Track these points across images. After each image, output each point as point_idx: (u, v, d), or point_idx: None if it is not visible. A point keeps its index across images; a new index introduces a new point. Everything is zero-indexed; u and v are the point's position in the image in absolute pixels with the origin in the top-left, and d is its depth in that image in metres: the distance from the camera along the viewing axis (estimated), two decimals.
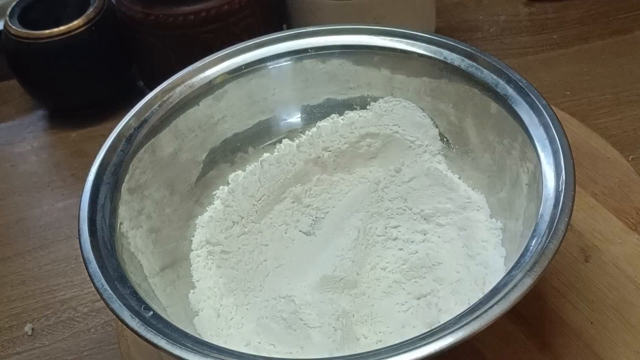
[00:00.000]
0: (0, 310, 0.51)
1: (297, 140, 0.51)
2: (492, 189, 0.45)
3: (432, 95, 0.48)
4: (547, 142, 0.39)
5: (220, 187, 0.49)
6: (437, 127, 0.48)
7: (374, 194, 0.47)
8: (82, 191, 0.41)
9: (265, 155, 0.51)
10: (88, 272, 0.36)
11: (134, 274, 0.39)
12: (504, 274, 0.34)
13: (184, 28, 0.60)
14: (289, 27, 0.66)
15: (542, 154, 0.39)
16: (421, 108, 0.48)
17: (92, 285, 0.36)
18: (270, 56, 0.49)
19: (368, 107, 0.50)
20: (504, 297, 0.32)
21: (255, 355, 0.34)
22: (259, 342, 0.39)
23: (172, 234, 0.46)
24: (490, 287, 0.33)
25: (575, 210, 0.35)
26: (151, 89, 0.47)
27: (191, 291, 0.43)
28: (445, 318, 0.34)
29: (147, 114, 0.46)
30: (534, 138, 0.40)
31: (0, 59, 0.66)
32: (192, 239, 0.46)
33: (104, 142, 0.44)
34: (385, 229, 0.45)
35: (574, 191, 0.36)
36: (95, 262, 0.37)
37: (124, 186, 0.42)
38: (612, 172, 0.50)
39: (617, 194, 0.48)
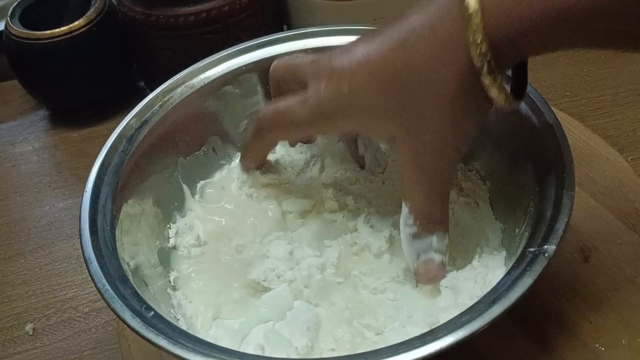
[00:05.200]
0: (1, 310, 0.51)
1: None
2: (492, 190, 0.45)
3: None
4: (546, 142, 0.39)
5: (221, 187, 0.49)
6: None
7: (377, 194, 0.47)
8: (83, 191, 0.41)
9: None
10: (89, 272, 0.36)
11: (135, 275, 0.39)
12: (504, 274, 0.34)
13: (184, 29, 0.60)
14: (289, 28, 0.66)
15: (541, 155, 0.39)
16: None
17: (93, 285, 0.36)
18: (271, 57, 0.49)
19: None
20: (504, 297, 0.32)
21: (256, 355, 0.34)
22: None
23: (173, 234, 0.46)
24: (490, 287, 0.33)
25: (575, 211, 0.35)
26: (152, 90, 0.48)
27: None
28: (445, 318, 0.34)
29: (147, 115, 0.46)
30: (534, 138, 0.40)
31: (1, 60, 0.67)
32: (190, 239, 0.46)
33: (105, 142, 0.44)
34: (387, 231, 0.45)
35: (574, 191, 0.36)
36: (96, 262, 0.37)
37: (125, 186, 0.42)
38: (611, 172, 0.50)
39: (616, 195, 0.48)
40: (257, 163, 0.46)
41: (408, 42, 0.34)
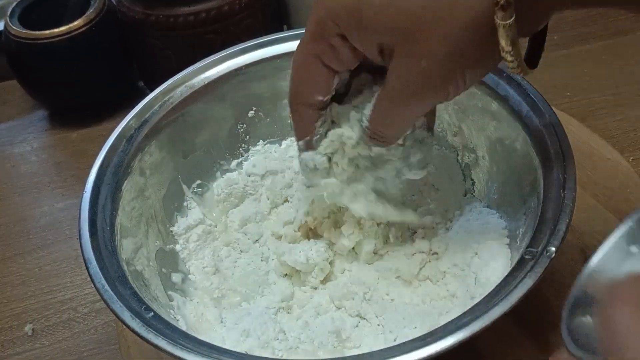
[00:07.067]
0: (0, 311, 0.51)
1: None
2: (494, 190, 0.45)
3: None
4: (547, 143, 0.39)
5: (221, 188, 0.49)
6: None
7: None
8: (83, 191, 0.41)
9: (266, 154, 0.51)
10: (89, 272, 0.36)
11: (135, 275, 0.39)
12: (505, 274, 0.34)
13: (184, 29, 0.60)
14: (289, 28, 0.66)
15: (542, 155, 0.39)
16: None
17: (92, 285, 0.36)
18: (270, 56, 0.49)
19: None
20: (504, 297, 0.32)
21: (255, 356, 0.34)
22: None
23: (173, 234, 0.46)
24: (491, 288, 0.33)
25: (576, 211, 0.35)
26: (151, 90, 0.47)
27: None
28: (445, 319, 0.33)
29: (147, 115, 0.46)
30: (535, 139, 0.40)
31: (0, 59, 0.66)
32: (190, 239, 0.46)
33: (104, 142, 0.44)
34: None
35: (575, 192, 0.36)
36: (95, 262, 0.37)
37: (125, 187, 0.42)
38: (612, 173, 0.50)
39: (617, 195, 0.48)
40: (309, 132, 0.39)
41: None
